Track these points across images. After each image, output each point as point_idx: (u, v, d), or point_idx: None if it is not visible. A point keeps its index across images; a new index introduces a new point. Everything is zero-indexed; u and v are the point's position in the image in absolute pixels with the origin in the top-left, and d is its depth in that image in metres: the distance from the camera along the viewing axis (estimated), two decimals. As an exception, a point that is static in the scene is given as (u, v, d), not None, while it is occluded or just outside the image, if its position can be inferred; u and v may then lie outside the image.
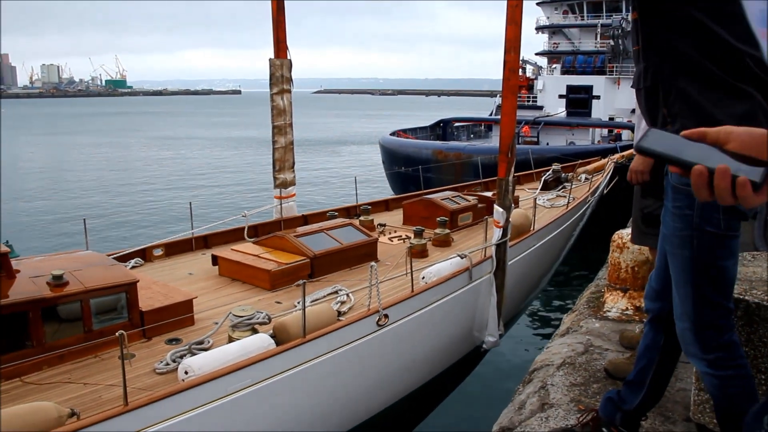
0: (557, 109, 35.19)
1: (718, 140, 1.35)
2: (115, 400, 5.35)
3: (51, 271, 6.44)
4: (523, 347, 13.04)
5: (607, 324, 5.41)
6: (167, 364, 6.02)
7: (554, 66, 38.02)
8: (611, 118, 32.62)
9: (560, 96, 35.60)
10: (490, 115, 38.97)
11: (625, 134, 28.81)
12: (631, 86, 3.15)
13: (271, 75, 10.49)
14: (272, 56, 10.54)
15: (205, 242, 10.17)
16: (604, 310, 5.69)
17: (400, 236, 10.67)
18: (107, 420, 4.89)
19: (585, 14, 38.06)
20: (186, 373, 5.56)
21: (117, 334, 5.02)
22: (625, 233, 5.66)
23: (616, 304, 5.64)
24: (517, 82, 8.73)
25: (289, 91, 10.69)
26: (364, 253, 9.23)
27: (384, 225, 11.22)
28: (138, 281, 6.78)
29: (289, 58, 10.61)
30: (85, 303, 6.36)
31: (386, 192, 27.33)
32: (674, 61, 2.73)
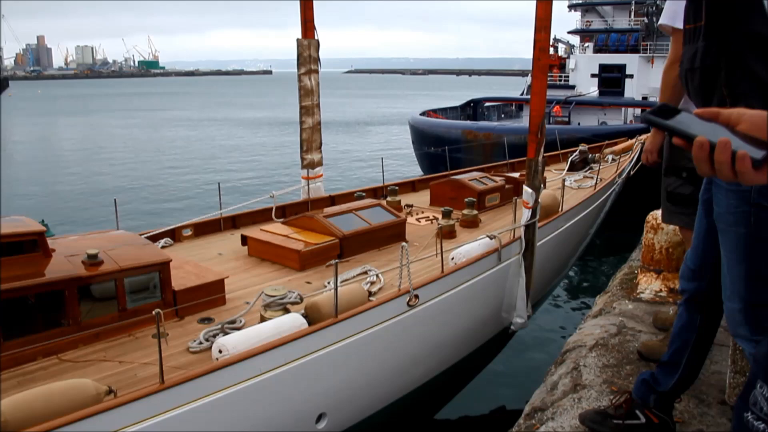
0: (589, 88, 34.70)
1: (730, 121, 1.36)
2: (151, 378, 5.46)
3: (86, 250, 6.55)
4: (551, 328, 13.00)
5: (640, 305, 5.37)
6: (200, 343, 6.12)
7: (587, 44, 37.38)
8: (644, 98, 31.96)
9: (592, 75, 35.05)
10: (521, 94, 38.50)
11: None
12: (682, 66, 3.05)
13: (299, 55, 10.48)
14: (300, 36, 10.54)
15: (233, 222, 10.26)
16: (638, 291, 5.65)
17: (428, 217, 10.66)
18: (144, 398, 4.99)
19: (618, -9, 37.23)
20: (220, 351, 5.63)
21: (153, 312, 5.10)
22: (659, 214, 5.59)
23: (650, 285, 5.59)
24: (547, 62, 8.61)
25: (317, 72, 10.67)
26: (392, 234, 9.24)
27: (411, 206, 11.21)
28: (171, 261, 6.88)
29: (316, 38, 10.58)
30: (120, 282, 6.47)
31: (415, 172, 27.30)
32: (744, 39, 2.63)
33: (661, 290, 5.56)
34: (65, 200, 25.72)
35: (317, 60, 10.66)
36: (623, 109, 31.58)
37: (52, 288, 6.13)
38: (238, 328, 6.26)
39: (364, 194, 11.10)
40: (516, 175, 12.28)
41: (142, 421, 4.97)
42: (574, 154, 14.53)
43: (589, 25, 38.38)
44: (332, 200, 11.06)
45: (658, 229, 5.53)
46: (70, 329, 6.15)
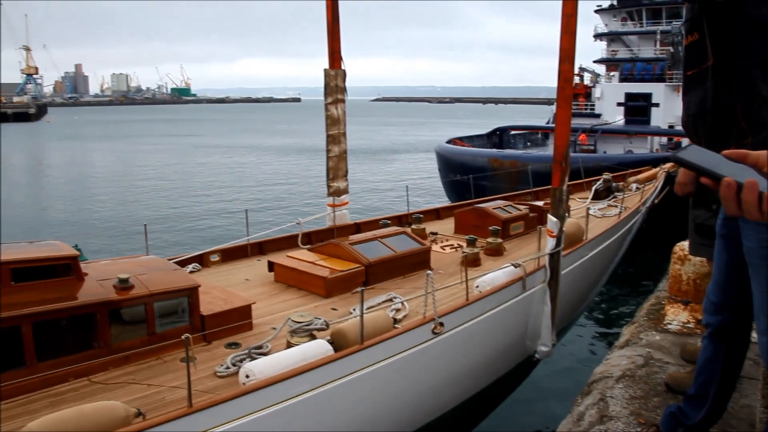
0: (615, 117, 34.59)
1: (758, 162, 1.39)
2: (179, 401, 5.53)
3: (117, 274, 6.68)
4: (576, 357, 12.86)
5: (667, 337, 5.34)
6: (228, 367, 6.19)
7: (612, 73, 37.32)
8: (671, 126, 31.98)
9: (618, 104, 34.96)
10: (547, 123, 38.50)
11: (685, 142, 27.98)
12: (689, 112, 3.06)
13: (326, 85, 10.67)
14: (327, 66, 10.74)
15: (260, 249, 10.39)
16: (665, 322, 5.61)
17: (452, 245, 10.69)
18: (172, 421, 5.04)
19: (644, 21, 37.30)
20: (247, 377, 5.69)
21: (183, 337, 5.20)
22: (687, 245, 5.57)
23: (678, 316, 5.55)
24: (571, 92, 8.68)
25: (343, 101, 10.84)
26: (417, 262, 9.29)
27: (436, 233, 11.26)
28: (200, 286, 6.99)
29: (343, 68, 10.77)
30: (150, 306, 6.59)
31: (441, 200, 27.37)
32: (757, 67, 2.65)
33: (688, 321, 5.53)
34: (96, 224, 26.18)
35: (344, 89, 10.84)
36: (649, 137, 31.42)
37: (84, 311, 6.26)
38: (265, 354, 6.33)
39: (389, 222, 11.17)
40: (540, 203, 12.28)
41: None
42: (598, 183, 14.51)
43: (615, 54, 38.36)
44: (357, 227, 11.16)
45: (686, 259, 5.51)
46: (100, 352, 6.26)
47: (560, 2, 8.02)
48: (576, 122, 31.28)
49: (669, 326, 5.56)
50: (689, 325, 5.50)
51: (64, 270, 6.52)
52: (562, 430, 4.34)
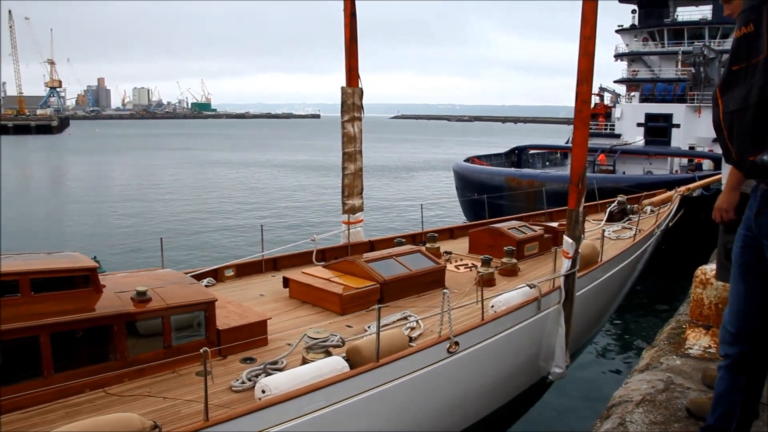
0: (635, 137, 34.42)
1: None
2: (194, 415, 5.54)
3: (135, 287, 6.72)
4: (590, 380, 12.74)
5: (688, 361, 5.27)
6: (243, 382, 6.19)
7: (633, 93, 37.23)
8: (692, 147, 31.72)
9: (638, 124, 34.78)
10: (566, 142, 38.41)
11: (706, 164, 27.83)
12: (726, 110, 2.98)
13: (343, 103, 10.74)
14: (345, 84, 10.82)
15: (274, 264, 10.41)
16: (686, 347, 5.55)
17: (467, 264, 10.67)
18: None
19: (665, 41, 37.23)
20: (263, 392, 5.70)
21: (201, 350, 5.21)
22: (708, 269, 5.51)
23: (699, 341, 5.49)
24: (589, 114, 8.70)
25: (360, 119, 10.90)
26: (432, 280, 9.28)
27: (450, 253, 11.25)
28: (216, 300, 7.02)
29: (360, 86, 10.85)
30: (166, 319, 6.60)
31: (456, 219, 27.35)
32: None
33: (710, 346, 5.46)
34: (114, 237, 26.36)
35: (360, 107, 10.90)
36: (669, 158, 31.21)
37: (101, 323, 6.28)
38: (281, 369, 6.33)
39: (403, 240, 11.18)
40: (554, 224, 12.26)
41: None
42: (613, 205, 14.48)
43: (636, 74, 38.23)
44: (372, 245, 11.17)
45: (707, 283, 5.45)
46: (117, 364, 6.28)
47: (577, 22, 8.10)
48: (595, 142, 31.11)
49: (690, 351, 5.50)
50: (711, 350, 5.43)
51: (83, 281, 6.55)
52: (582, 454, 4.29)
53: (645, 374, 5.11)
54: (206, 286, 9.05)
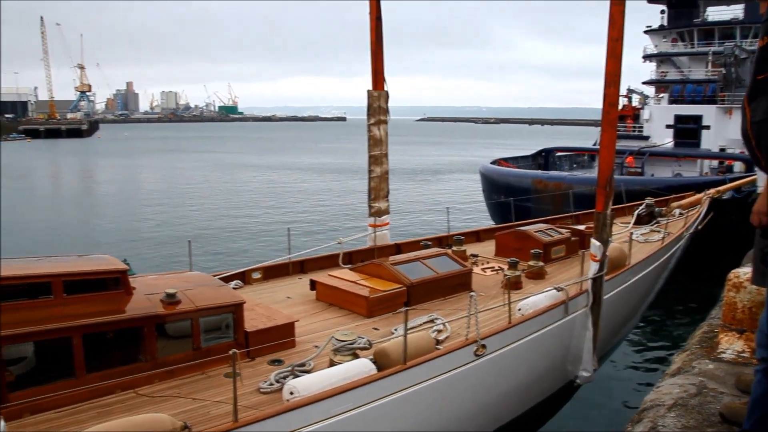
0: (664, 139, 33.90)
1: None
2: (223, 416, 5.59)
3: (164, 289, 6.80)
4: (618, 384, 12.60)
5: (721, 366, 5.18)
6: (271, 384, 6.24)
7: (662, 95, 36.69)
8: (722, 149, 31.13)
9: (667, 126, 34.22)
10: (594, 144, 37.95)
11: (737, 166, 27.33)
12: (753, 120, 2.95)
13: (369, 106, 10.77)
14: (371, 87, 10.85)
15: (301, 267, 10.47)
16: (718, 351, 5.45)
17: (493, 267, 10.63)
18: None
19: (695, 42, 36.56)
20: (291, 393, 5.73)
21: (230, 352, 5.26)
22: (742, 272, 5.41)
23: (732, 345, 5.39)
24: (616, 116, 8.65)
25: (386, 122, 10.92)
26: (458, 283, 9.27)
27: (477, 256, 11.22)
28: (245, 302, 7.08)
29: (386, 89, 10.87)
30: (195, 321, 6.67)
31: (482, 222, 27.25)
32: None
33: (743, 351, 5.36)
34: (142, 239, 26.72)
35: (386, 111, 10.92)
36: (699, 160, 30.68)
37: (132, 324, 6.36)
38: (308, 371, 6.36)
39: (430, 243, 11.17)
40: (582, 227, 12.17)
41: None
42: (641, 208, 14.32)
43: (665, 75, 37.57)
44: (398, 248, 11.17)
45: (741, 287, 5.35)
46: (147, 365, 6.36)
47: (602, 23, 8.06)
48: (623, 144, 30.61)
49: (723, 355, 5.40)
50: (744, 355, 5.33)
51: (114, 284, 6.64)
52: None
53: (677, 378, 5.04)
54: (234, 288, 9.12)
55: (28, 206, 35.18)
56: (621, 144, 26.56)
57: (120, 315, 6.37)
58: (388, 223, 11.17)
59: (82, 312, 6.14)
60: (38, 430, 5.46)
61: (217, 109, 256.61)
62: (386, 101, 10.86)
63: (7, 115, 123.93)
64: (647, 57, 38.99)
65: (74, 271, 6.49)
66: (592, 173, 28.73)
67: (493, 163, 30.13)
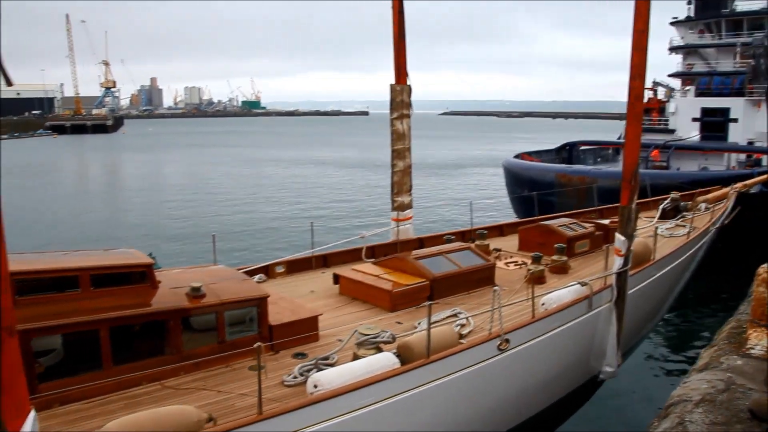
0: (690, 132, 33.31)
1: None
2: (248, 408, 5.65)
3: (189, 282, 6.86)
4: (643, 379, 12.49)
5: (750, 362, 5.12)
6: (295, 377, 6.27)
7: (688, 88, 36.00)
8: (750, 143, 30.50)
9: (694, 119, 33.61)
10: (619, 138, 37.39)
11: (766, 159, 26.64)
12: None
13: (392, 100, 10.76)
14: (393, 81, 10.84)
15: (324, 261, 10.52)
16: (747, 346, 5.38)
17: (516, 262, 10.59)
18: (243, 427, 5.16)
19: (723, 33, 35.79)
20: (315, 386, 5.77)
21: (255, 345, 5.31)
22: (776, 267, 5.33)
23: (761, 341, 5.32)
24: (642, 109, 8.55)
25: (409, 116, 10.91)
26: (481, 278, 9.25)
27: (500, 250, 11.17)
28: (269, 296, 7.13)
29: (409, 83, 10.85)
30: (220, 315, 6.73)
31: (504, 217, 27.12)
32: None
33: (773, 347, 5.30)
34: (167, 232, 27.02)
35: (409, 105, 10.91)
36: (726, 154, 30.12)
37: (157, 318, 6.44)
38: (332, 365, 6.39)
39: (453, 237, 11.14)
40: (606, 221, 12.06)
41: None
42: (666, 202, 14.14)
43: (691, 68, 36.79)
44: (421, 242, 11.17)
45: (770, 282, 5.28)
46: (172, 358, 6.43)
47: (627, 15, 7.97)
48: (648, 138, 30.11)
49: (752, 351, 5.33)
50: (774, 351, 5.27)
51: (140, 277, 6.74)
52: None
53: (704, 374, 4.99)
54: (257, 282, 9.20)
55: (54, 201, 35.72)
56: (646, 138, 26.20)
57: (146, 308, 6.47)
58: (410, 218, 11.16)
59: (109, 305, 6.25)
60: (70, 419, 5.57)
61: (240, 104, 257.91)
62: (409, 95, 10.85)
63: (34, 112, 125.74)
64: (673, 49, 38.21)
65: (101, 265, 6.61)
66: (617, 167, 28.43)
67: (517, 157, 29.90)
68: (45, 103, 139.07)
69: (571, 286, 8.24)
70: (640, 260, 9.38)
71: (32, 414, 3.48)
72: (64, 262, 6.54)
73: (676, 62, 38.40)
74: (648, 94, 37.94)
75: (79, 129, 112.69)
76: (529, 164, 28.30)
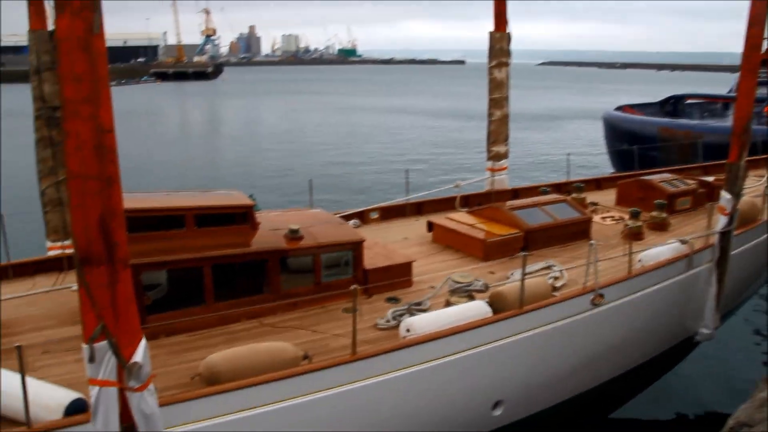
0: (812, 86, 30.87)
1: None
2: (342, 349, 5.88)
3: (288, 225, 7.14)
4: (740, 345, 12.01)
5: None
6: (388, 321, 6.47)
7: (812, 38, 33.06)
8: None
9: None
10: (729, 91, 35.22)
11: None
12: None
13: (491, 48, 10.58)
14: (493, 29, 10.63)
15: (418, 209, 10.64)
16: None
17: (613, 216, 10.35)
18: (337, 366, 5.41)
19: None
20: (408, 331, 5.93)
21: (351, 288, 5.52)
22: None
23: None
24: (759, 60, 8.06)
25: (507, 65, 10.71)
26: (576, 231, 9.12)
27: (596, 204, 10.94)
28: (364, 241, 7.33)
29: (508, 31, 10.62)
30: (317, 257, 6.98)
31: (605, 169, 26.35)
32: None
33: None
34: (264, 176, 27.84)
35: (508, 53, 10.70)
36: None
37: (257, 257, 6.75)
38: (425, 310, 6.56)
39: (548, 189, 10.99)
40: (710, 179, 11.54)
41: (333, 387, 5.41)
42: None
43: (818, 15, 33.88)
44: (515, 193, 11.09)
45: None
46: (271, 297, 6.75)
47: None
48: (763, 92, 28.24)
49: None
50: None
51: (241, 218, 7.04)
52: (740, 415, 4.16)
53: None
54: (352, 227, 9.45)
55: (157, 144, 37.43)
56: (761, 92, 24.46)
57: (247, 248, 6.79)
58: (506, 168, 11.09)
59: (212, 244, 6.57)
60: (174, 351, 5.99)
61: (336, 52, 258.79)
62: (508, 43, 10.64)
63: (139, 59, 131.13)
64: (798, -6, 34.98)
65: (205, 205, 6.96)
66: (725, 123, 26.81)
67: (618, 109, 28.78)
68: (149, 51, 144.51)
69: (671, 243, 8.01)
70: (746, 220, 9.01)
71: (143, 342, 3.74)
72: (171, 201, 6.90)
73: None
74: (766, 45, 35.09)
75: (181, 76, 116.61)
76: (629, 117, 27.24)
